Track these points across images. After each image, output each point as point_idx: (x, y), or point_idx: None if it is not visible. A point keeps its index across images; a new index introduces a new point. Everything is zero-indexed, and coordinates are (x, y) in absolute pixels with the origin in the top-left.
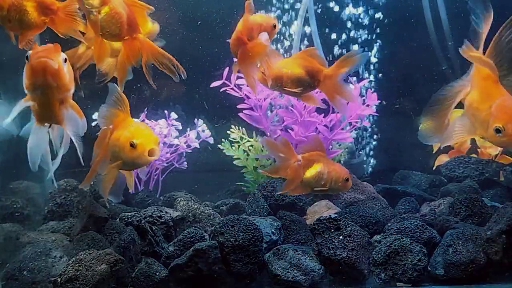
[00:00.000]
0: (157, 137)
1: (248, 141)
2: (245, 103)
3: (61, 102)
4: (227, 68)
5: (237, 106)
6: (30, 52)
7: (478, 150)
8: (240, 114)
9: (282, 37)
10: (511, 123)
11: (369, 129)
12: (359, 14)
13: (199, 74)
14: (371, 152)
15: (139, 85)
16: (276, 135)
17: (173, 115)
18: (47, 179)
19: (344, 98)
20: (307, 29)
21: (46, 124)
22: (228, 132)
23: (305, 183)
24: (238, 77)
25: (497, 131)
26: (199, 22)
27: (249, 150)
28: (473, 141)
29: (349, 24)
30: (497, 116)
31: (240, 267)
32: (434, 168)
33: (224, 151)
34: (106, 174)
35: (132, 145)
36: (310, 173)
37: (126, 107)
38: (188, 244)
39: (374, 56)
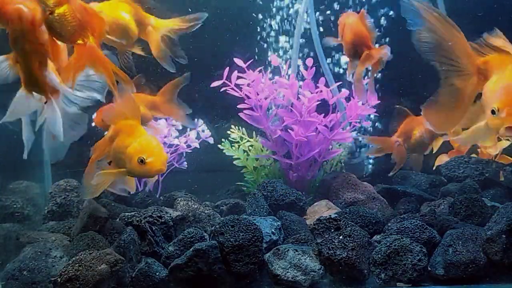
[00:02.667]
0: (166, 154)
1: (248, 141)
2: (245, 103)
3: (40, 63)
4: (227, 68)
5: (237, 106)
6: None
7: (478, 150)
8: (240, 114)
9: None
10: (508, 105)
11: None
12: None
13: (199, 74)
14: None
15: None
16: (276, 135)
17: None
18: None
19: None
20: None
21: (32, 93)
22: (228, 132)
23: (414, 150)
24: (238, 77)
25: (492, 112)
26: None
27: (249, 150)
28: None
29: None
30: (495, 98)
31: (240, 267)
32: (434, 168)
33: (224, 151)
34: (103, 175)
35: (142, 161)
36: (413, 141)
37: (136, 112)
38: (188, 244)
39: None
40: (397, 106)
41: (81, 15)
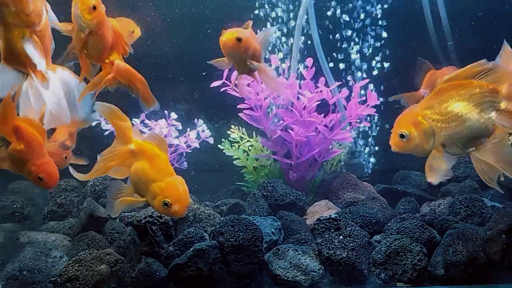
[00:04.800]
0: (190, 199)
1: (248, 141)
2: (245, 103)
3: (23, 35)
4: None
5: (237, 106)
6: None
7: None
8: (240, 114)
9: (282, 38)
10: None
11: (369, 129)
12: (360, 14)
13: (199, 74)
14: (371, 152)
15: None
16: (276, 135)
17: (173, 115)
18: None
19: None
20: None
21: (12, 66)
22: (228, 132)
23: None
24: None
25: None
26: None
27: (249, 150)
28: None
29: (349, 24)
30: None
31: (240, 267)
32: None
33: (224, 151)
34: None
35: (167, 205)
36: None
37: (165, 147)
38: (188, 244)
39: (375, 56)
40: (419, 60)
41: (111, 34)
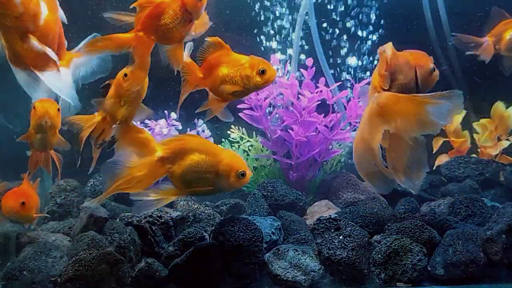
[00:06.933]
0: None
1: (248, 141)
2: (245, 103)
3: (22, 35)
4: None
5: (237, 106)
6: None
7: (478, 150)
8: (240, 114)
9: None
10: None
11: None
12: (360, 13)
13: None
14: None
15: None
16: (276, 135)
17: (173, 115)
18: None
19: None
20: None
21: (18, 67)
22: (228, 132)
23: (506, 52)
24: None
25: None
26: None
27: (249, 150)
28: (473, 141)
29: (349, 24)
30: None
31: (240, 267)
32: (434, 168)
33: None
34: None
35: (243, 175)
36: (503, 43)
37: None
38: (188, 244)
39: (373, 56)
40: (494, 8)
41: None
